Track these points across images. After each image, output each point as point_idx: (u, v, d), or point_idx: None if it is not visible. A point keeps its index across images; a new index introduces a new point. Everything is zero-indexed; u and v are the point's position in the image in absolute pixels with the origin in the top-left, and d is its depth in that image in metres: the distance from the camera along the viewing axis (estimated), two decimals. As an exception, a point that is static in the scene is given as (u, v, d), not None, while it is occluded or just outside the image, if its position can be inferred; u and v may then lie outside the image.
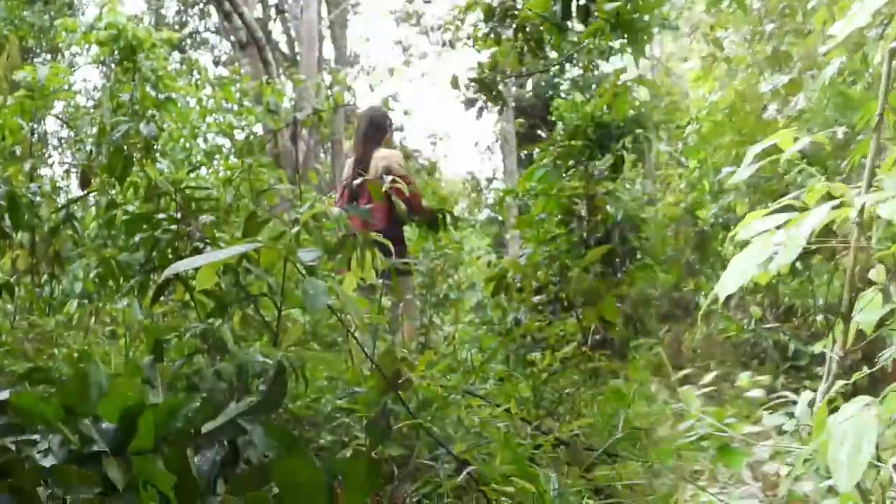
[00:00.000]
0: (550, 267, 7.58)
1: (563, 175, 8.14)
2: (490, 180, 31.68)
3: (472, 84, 9.01)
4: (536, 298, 7.92)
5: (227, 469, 2.15)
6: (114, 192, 4.49)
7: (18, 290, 5.94)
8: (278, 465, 1.79)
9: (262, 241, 2.86)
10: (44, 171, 13.43)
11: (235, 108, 15.34)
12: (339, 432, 3.35)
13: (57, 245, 6.02)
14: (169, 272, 2.62)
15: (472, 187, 32.22)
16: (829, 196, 2.72)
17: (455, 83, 8.94)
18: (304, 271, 2.87)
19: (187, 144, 13.53)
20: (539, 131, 21.15)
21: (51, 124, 17.04)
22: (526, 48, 8.38)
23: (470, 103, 9.20)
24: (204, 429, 2.11)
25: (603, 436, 3.92)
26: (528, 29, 8.16)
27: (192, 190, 3.93)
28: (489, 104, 9.04)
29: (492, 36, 8.60)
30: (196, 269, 2.72)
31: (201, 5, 27.07)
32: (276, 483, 1.81)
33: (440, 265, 9.70)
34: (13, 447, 1.93)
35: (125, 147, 3.93)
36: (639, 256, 7.79)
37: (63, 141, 16.18)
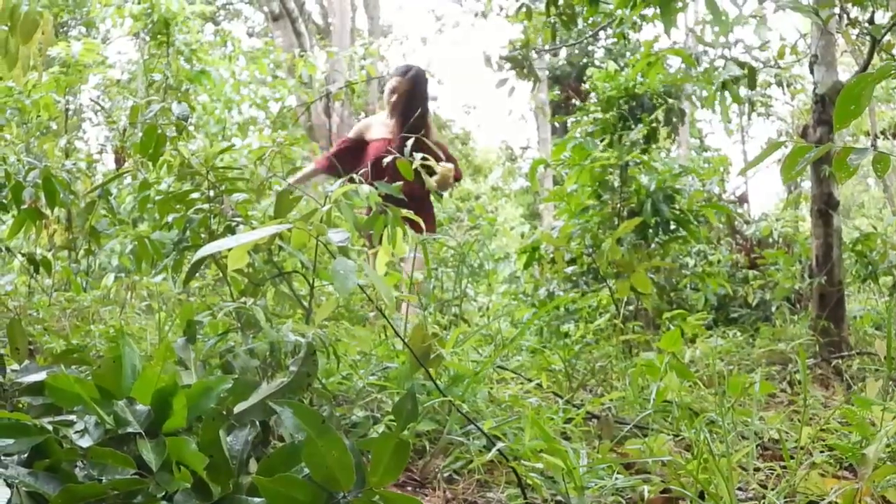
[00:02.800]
0: (583, 238, 7.58)
1: (597, 146, 8.13)
2: (524, 149, 31.64)
3: (505, 62, 9.04)
4: (569, 270, 7.93)
5: (258, 448, 2.19)
6: (146, 172, 4.52)
7: (55, 266, 6.00)
8: (307, 446, 1.82)
9: (291, 223, 2.89)
10: (80, 144, 13.51)
11: (269, 80, 15.37)
12: (371, 408, 3.39)
13: (93, 221, 6.09)
14: (200, 254, 2.66)
15: (506, 156, 32.19)
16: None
17: (488, 62, 8.96)
18: (334, 250, 2.89)
19: (222, 116, 13.57)
20: (573, 100, 21.05)
21: (87, 98, 17.11)
22: (558, 21, 8.36)
23: (502, 82, 9.21)
24: (235, 410, 2.15)
25: (635, 409, 3.93)
26: (560, 1, 8.14)
27: (224, 169, 3.96)
28: (521, 80, 9.05)
29: (523, 10, 8.59)
30: (228, 250, 2.75)
31: (234, -23, 27.09)
32: (306, 463, 1.84)
33: (474, 236, 9.71)
34: (50, 428, 1.97)
35: (158, 126, 3.96)
36: (672, 227, 7.76)
37: (99, 114, 16.26)
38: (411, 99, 7.33)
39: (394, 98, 7.39)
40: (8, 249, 6.45)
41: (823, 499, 2.47)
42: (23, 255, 5.83)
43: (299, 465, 1.94)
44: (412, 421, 2.10)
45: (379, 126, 7.45)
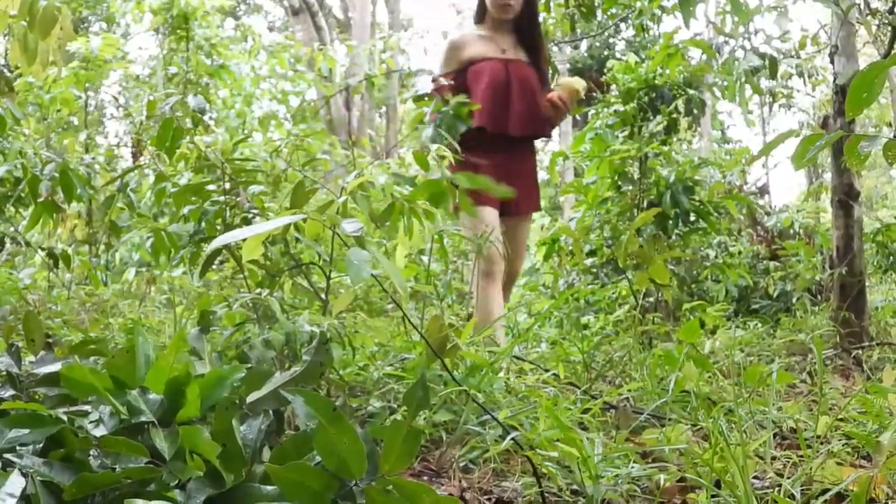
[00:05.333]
0: (603, 230, 7.58)
1: (616, 137, 8.12)
2: (545, 141, 31.64)
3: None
4: (589, 261, 7.93)
5: (272, 437, 2.19)
6: (163, 165, 4.54)
7: (75, 261, 6.04)
8: (318, 434, 1.82)
9: (306, 213, 2.89)
10: (100, 140, 13.57)
11: (290, 74, 15.40)
12: (388, 398, 3.39)
13: (112, 215, 6.12)
14: (214, 245, 2.67)
15: (527, 149, 32.17)
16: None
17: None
18: (349, 241, 2.90)
19: (242, 111, 13.60)
20: (593, 92, 21.02)
21: (106, 94, 17.20)
22: (577, 13, 8.34)
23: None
24: (249, 399, 2.16)
25: (653, 399, 3.93)
26: (579, -7, 8.12)
27: (241, 161, 3.97)
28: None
29: (542, 2, 8.56)
30: (243, 240, 2.76)
31: (254, -29, 27.14)
32: (318, 451, 1.84)
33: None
34: (65, 418, 1.98)
35: (175, 119, 3.97)
36: (692, 219, 7.74)
37: (120, 108, 16.35)
38: (530, 6, 5.86)
39: (508, 8, 5.72)
40: (28, 244, 6.49)
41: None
42: (43, 249, 5.87)
43: (311, 453, 1.94)
44: (424, 408, 2.10)
45: (480, 43, 5.78)
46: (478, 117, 5.25)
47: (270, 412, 2.18)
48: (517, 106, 5.51)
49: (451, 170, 4.84)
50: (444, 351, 3.22)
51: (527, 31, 5.80)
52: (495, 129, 5.49)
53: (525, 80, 5.60)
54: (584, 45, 25.04)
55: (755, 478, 2.73)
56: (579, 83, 5.78)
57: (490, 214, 5.45)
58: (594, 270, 8.06)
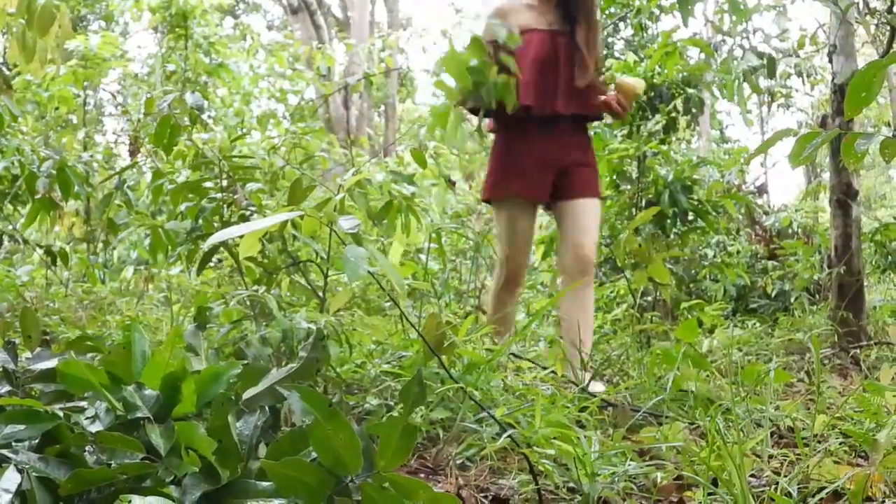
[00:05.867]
0: (601, 229, 7.58)
1: (615, 136, 8.13)
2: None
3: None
4: (587, 260, 7.93)
5: (268, 434, 2.19)
6: (161, 162, 4.55)
7: (73, 258, 6.04)
8: (314, 430, 1.82)
9: (303, 210, 2.89)
10: (98, 138, 13.57)
11: (288, 72, 15.42)
12: (385, 396, 3.39)
13: (110, 212, 6.12)
14: (211, 242, 2.67)
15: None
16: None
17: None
18: (346, 238, 2.90)
19: (240, 109, 13.61)
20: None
21: (105, 92, 17.20)
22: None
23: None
24: (245, 395, 2.15)
25: (651, 398, 3.93)
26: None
27: (239, 159, 3.98)
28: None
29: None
30: (240, 238, 2.76)
31: (253, -30, 27.16)
32: (313, 447, 1.84)
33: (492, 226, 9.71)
34: (61, 414, 1.98)
35: (173, 117, 3.97)
36: (691, 218, 7.75)
37: (118, 106, 16.36)
38: None
39: None
40: (26, 241, 6.49)
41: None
42: (41, 247, 5.87)
43: (308, 449, 1.94)
44: (419, 404, 2.10)
45: (526, 13, 5.13)
46: (523, 94, 4.68)
47: (267, 408, 2.18)
48: (565, 82, 4.89)
49: (491, 154, 4.67)
50: (441, 348, 3.23)
51: (579, 3, 5.05)
52: (542, 107, 4.86)
53: (575, 55, 4.95)
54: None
55: (752, 476, 2.73)
56: (639, 85, 5.18)
57: (516, 209, 4.94)
58: (592, 269, 8.06)
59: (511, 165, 4.87)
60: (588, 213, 4.97)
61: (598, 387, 4.13)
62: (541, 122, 4.88)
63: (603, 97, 5.07)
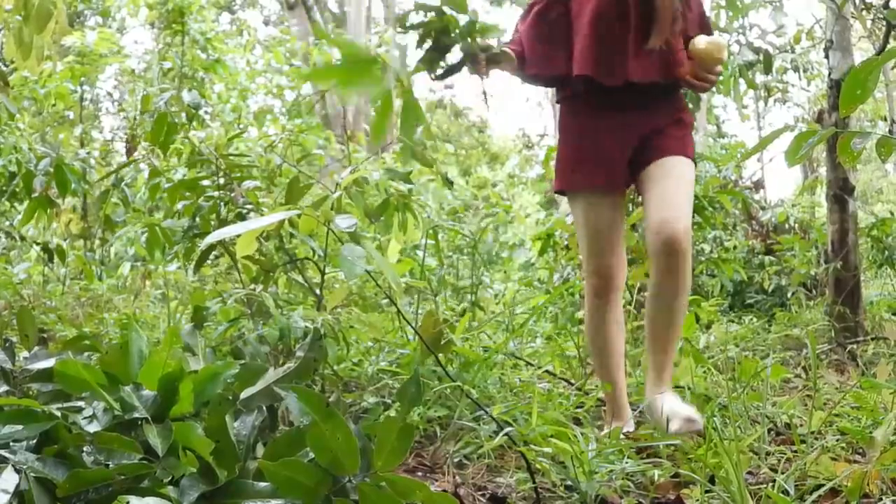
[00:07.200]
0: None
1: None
2: (542, 136, 31.63)
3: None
4: (584, 256, 7.93)
5: (265, 434, 2.19)
6: (158, 160, 4.55)
7: (70, 255, 6.04)
8: (312, 430, 1.82)
9: (300, 209, 2.89)
10: (95, 135, 13.56)
11: (285, 68, 15.41)
12: (382, 394, 3.40)
13: (107, 210, 6.11)
14: (209, 240, 2.67)
15: (523, 144, 32.19)
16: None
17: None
18: (343, 236, 2.90)
19: (237, 105, 13.58)
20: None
21: (102, 88, 17.19)
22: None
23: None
24: (242, 395, 2.15)
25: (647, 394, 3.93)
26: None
27: (236, 157, 3.98)
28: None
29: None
30: (237, 236, 2.75)
31: (250, -34, 27.11)
32: (310, 447, 1.84)
33: (489, 223, 9.72)
34: (59, 414, 1.98)
35: (169, 114, 3.97)
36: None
37: (115, 103, 16.34)
38: None
39: None
40: (23, 239, 6.49)
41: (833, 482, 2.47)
42: (38, 244, 5.87)
43: (305, 449, 1.94)
44: (416, 404, 2.10)
45: None
46: (579, 63, 3.77)
47: (264, 408, 2.18)
48: (636, 43, 3.73)
49: (561, 139, 3.87)
50: (438, 346, 3.23)
51: None
52: (607, 75, 3.76)
53: (645, 8, 3.73)
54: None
55: (749, 473, 2.73)
56: (716, 47, 3.77)
57: (593, 197, 3.87)
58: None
59: (578, 148, 3.91)
60: (672, 177, 3.75)
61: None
62: (608, 93, 3.81)
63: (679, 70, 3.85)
